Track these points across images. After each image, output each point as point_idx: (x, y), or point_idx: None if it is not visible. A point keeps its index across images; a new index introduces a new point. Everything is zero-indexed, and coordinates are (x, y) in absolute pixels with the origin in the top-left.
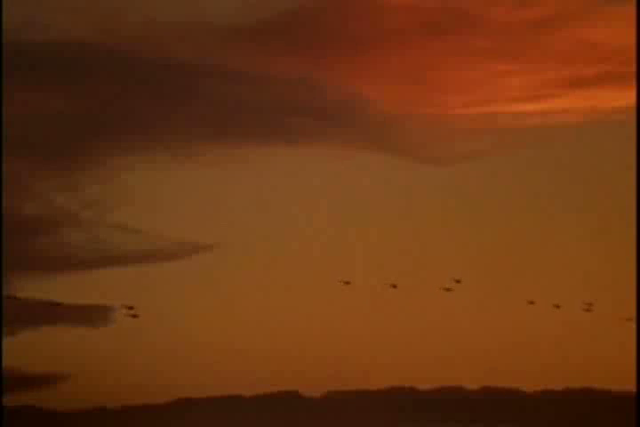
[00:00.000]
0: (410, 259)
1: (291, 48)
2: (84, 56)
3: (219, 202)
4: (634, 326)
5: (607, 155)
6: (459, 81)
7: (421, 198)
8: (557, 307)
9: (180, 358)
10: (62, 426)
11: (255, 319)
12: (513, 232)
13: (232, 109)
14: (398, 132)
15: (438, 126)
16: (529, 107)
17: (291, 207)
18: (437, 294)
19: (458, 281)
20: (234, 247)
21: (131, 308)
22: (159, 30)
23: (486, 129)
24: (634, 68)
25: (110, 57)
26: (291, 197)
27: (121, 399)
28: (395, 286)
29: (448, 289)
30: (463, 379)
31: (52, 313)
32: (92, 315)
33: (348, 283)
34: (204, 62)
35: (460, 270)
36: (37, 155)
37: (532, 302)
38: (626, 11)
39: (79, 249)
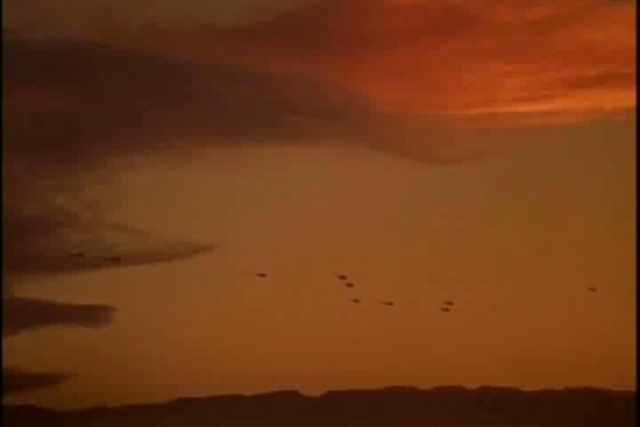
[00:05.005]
0: (407, 258)
1: (291, 48)
2: (84, 56)
3: (219, 202)
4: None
5: (607, 155)
6: (459, 81)
7: (421, 198)
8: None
9: (180, 358)
10: (62, 426)
11: (255, 320)
12: (513, 232)
13: (232, 109)
14: (399, 132)
15: (439, 127)
16: (530, 107)
17: (291, 207)
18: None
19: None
20: (234, 247)
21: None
22: (159, 31)
23: (487, 129)
24: (634, 69)
25: (110, 57)
26: (291, 196)
27: (121, 399)
28: (350, 285)
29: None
30: (463, 379)
31: (52, 313)
32: (91, 315)
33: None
34: (204, 62)
35: (460, 269)
36: (37, 155)
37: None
38: (626, 11)
39: (79, 249)
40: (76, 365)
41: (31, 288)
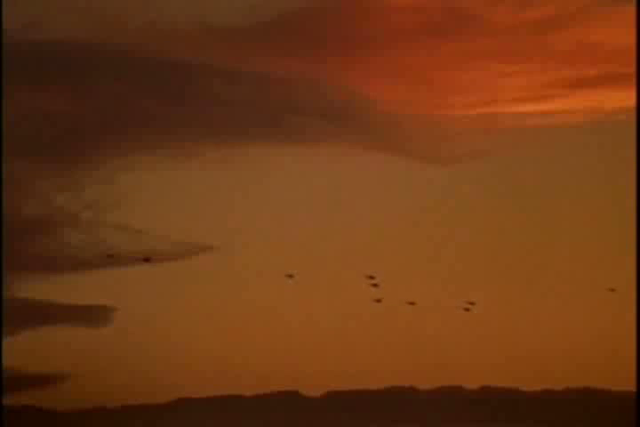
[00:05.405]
0: (409, 257)
1: (291, 48)
2: (85, 56)
3: (219, 202)
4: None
5: (607, 155)
6: (460, 81)
7: (422, 198)
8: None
9: (179, 358)
10: (62, 426)
11: (255, 320)
12: (513, 232)
13: (232, 109)
14: (399, 132)
15: (439, 127)
16: (530, 107)
17: (290, 207)
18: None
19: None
20: (234, 248)
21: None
22: (159, 30)
23: (487, 129)
24: (634, 69)
25: (111, 57)
26: (291, 197)
27: (121, 399)
28: (375, 285)
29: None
30: (463, 379)
31: (51, 313)
32: (91, 315)
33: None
34: (203, 62)
35: (455, 270)
36: (37, 155)
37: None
38: (626, 11)
39: (79, 249)
40: (75, 365)
41: (31, 288)
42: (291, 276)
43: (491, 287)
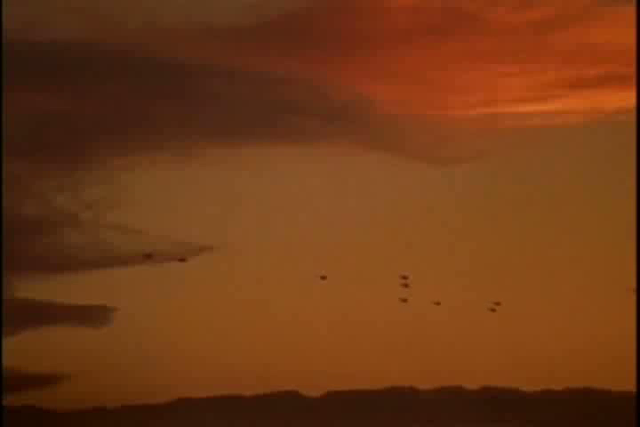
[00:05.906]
0: (410, 257)
1: (291, 48)
2: (84, 56)
3: (219, 202)
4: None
5: (607, 155)
6: (460, 82)
7: (422, 199)
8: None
9: (180, 357)
10: (62, 426)
11: (255, 320)
12: (513, 233)
13: (232, 109)
14: (399, 132)
15: (439, 127)
16: (530, 108)
17: (291, 207)
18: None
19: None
20: (234, 248)
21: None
22: (159, 30)
23: (487, 129)
24: (634, 69)
25: (110, 57)
26: (291, 197)
27: (121, 399)
28: (406, 283)
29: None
30: (463, 379)
31: (51, 313)
32: (91, 315)
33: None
34: (204, 62)
35: (454, 270)
36: (37, 155)
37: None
38: (626, 11)
39: (79, 249)
40: (75, 365)
41: (31, 288)
42: (324, 277)
43: (489, 288)
